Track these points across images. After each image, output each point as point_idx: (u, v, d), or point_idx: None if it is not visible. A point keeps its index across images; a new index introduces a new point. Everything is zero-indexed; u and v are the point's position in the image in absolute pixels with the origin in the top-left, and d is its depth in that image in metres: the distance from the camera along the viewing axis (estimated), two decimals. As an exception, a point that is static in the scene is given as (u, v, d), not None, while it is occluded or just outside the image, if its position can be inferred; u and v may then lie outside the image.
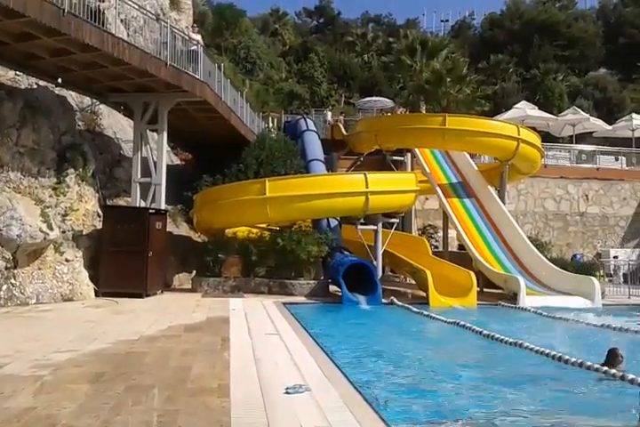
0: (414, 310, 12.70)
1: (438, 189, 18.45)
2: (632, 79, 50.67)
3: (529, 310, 13.20)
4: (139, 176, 15.09)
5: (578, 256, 22.94)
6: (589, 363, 7.16)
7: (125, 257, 13.08)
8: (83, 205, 13.58)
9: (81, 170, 13.75)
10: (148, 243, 13.35)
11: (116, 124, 18.21)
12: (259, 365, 6.77)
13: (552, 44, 50.02)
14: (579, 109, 32.06)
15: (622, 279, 19.27)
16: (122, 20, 16.36)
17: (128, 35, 17.44)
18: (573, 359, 7.53)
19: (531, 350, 8.43)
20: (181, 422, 4.67)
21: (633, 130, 30.12)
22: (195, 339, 8.33)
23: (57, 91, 14.59)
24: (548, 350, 8.12)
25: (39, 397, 5.34)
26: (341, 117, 26.73)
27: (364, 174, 15.21)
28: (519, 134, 18.09)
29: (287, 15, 61.19)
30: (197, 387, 5.73)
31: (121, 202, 15.74)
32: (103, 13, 12.43)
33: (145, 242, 13.29)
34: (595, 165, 27.43)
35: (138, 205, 14.83)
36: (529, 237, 18.20)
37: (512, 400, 6.19)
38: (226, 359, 7.00)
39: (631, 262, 20.09)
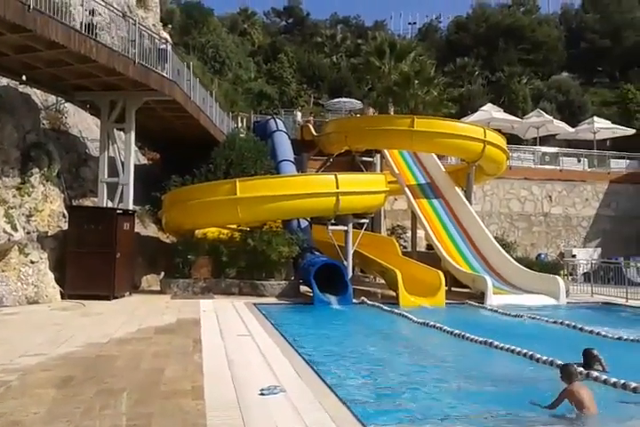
0: (385, 308, 12.81)
1: (407, 189, 18.66)
2: (593, 83, 52.06)
3: (494, 310, 13.41)
4: (106, 176, 14.81)
5: (542, 256, 23.48)
6: (560, 362, 7.32)
7: (92, 258, 12.84)
8: (48, 206, 13.26)
9: (46, 169, 13.43)
10: (116, 244, 13.13)
11: (81, 123, 17.86)
12: (232, 366, 6.73)
13: (516, 48, 50.99)
14: (542, 112, 32.77)
15: (583, 278, 19.76)
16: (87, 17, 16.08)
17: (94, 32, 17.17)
18: (545, 358, 7.69)
19: (501, 348, 8.59)
20: (156, 425, 4.61)
21: (594, 132, 30.96)
22: (166, 341, 8.24)
23: (21, 88, 14.23)
24: (518, 349, 8.28)
25: (6, 402, 5.21)
26: (311, 118, 26.76)
27: (335, 175, 15.26)
28: (485, 136, 18.42)
29: (256, 15, 60.98)
30: (171, 390, 5.67)
31: (87, 202, 15.45)
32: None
33: (112, 243, 13.07)
34: (558, 167, 28.09)
35: (105, 205, 14.57)
36: (495, 238, 18.53)
37: (479, 399, 6.30)
38: (198, 361, 6.94)
39: (593, 262, 20.62)
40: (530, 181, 27.20)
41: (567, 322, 11.03)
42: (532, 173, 27.39)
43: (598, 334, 10.08)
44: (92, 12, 12.66)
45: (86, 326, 9.46)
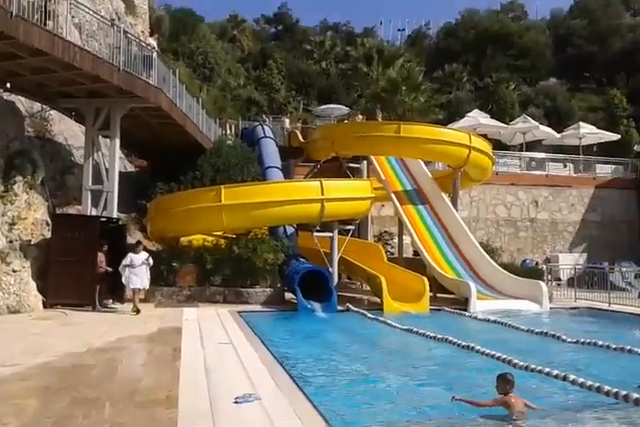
0: (369, 316, 12.83)
1: (393, 196, 18.72)
2: (580, 88, 52.49)
3: (473, 316, 13.47)
4: (90, 183, 14.79)
5: (527, 261, 23.60)
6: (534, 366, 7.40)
7: (75, 267, 12.78)
8: (31, 214, 13.21)
9: (29, 177, 13.38)
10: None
11: (67, 131, 17.84)
12: (209, 375, 6.75)
13: (505, 54, 51.38)
14: (529, 118, 32.99)
15: (567, 284, 19.86)
16: (75, 24, 16.11)
17: (82, 39, 17.19)
18: (521, 363, 7.76)
19: (482, 353, 8.65)
20: (126, 435, 4.63)
21: (580, 138, 31.22)
22: (145, 350, 8.24)
23: (5, 96, 14.22)
24: (496, 353, 8.35)
25: (-21, 413, 5.20)
26: (299, 124, 26.81)
27: (320, 181, 15.30)
28: (471, 142, 18.53)
29: (245, 21, 60.98)
30: (145, 399, 5.68)
31: (71, 210, 15.39)
32: (57, 17, 12.34)
33: (96, 251, 13.03)
34: (544, 172, 28.29)
35: (89, 213, 14.54)
36: (481, 243, 18.62)
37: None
38: (176, 370, 6.95)
39: (577, 267, 20.75)
40: (516, 186, 27.37)
41: (540, 330, 11.09)
42: (518, 178, 27.56)
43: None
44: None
45: (67, 336, 9.43)
